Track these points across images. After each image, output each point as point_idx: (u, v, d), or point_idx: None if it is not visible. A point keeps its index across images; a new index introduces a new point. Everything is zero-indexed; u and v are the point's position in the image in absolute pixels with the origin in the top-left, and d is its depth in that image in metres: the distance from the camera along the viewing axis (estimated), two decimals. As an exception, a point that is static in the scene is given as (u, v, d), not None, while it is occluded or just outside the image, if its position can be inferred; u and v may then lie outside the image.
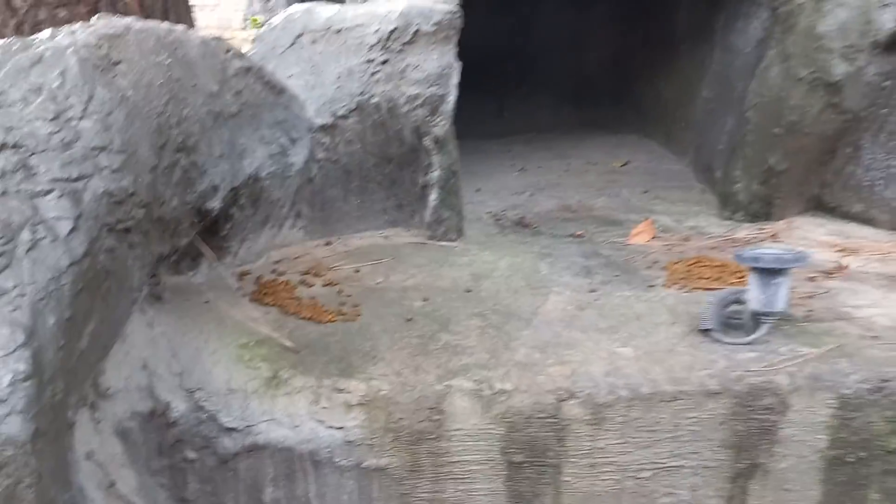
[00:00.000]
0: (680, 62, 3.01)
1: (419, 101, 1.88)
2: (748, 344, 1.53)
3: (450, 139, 1.94)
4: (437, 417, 1.40)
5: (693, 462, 1.46)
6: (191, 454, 1.36)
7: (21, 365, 0.90)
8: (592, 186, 2.84)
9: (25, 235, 0.97)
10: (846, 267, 1.93)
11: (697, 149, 2.84)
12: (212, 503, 1.39)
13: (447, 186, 2.01)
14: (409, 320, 1.62)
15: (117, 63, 1.16)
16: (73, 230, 1.01)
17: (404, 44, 1.88)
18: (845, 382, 1.45)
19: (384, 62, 1.92)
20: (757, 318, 1.56)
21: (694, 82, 2.89)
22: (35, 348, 0.92)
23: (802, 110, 2.12)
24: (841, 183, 2.31)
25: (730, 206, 2.38)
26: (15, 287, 0.93)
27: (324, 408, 1.38)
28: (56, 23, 2.28)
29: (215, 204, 1.34)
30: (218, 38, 1.47)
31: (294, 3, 3.04)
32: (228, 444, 1.36)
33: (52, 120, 1.06)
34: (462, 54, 3.38)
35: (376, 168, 2.06)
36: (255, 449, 1.37)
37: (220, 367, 1.40)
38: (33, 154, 1.02)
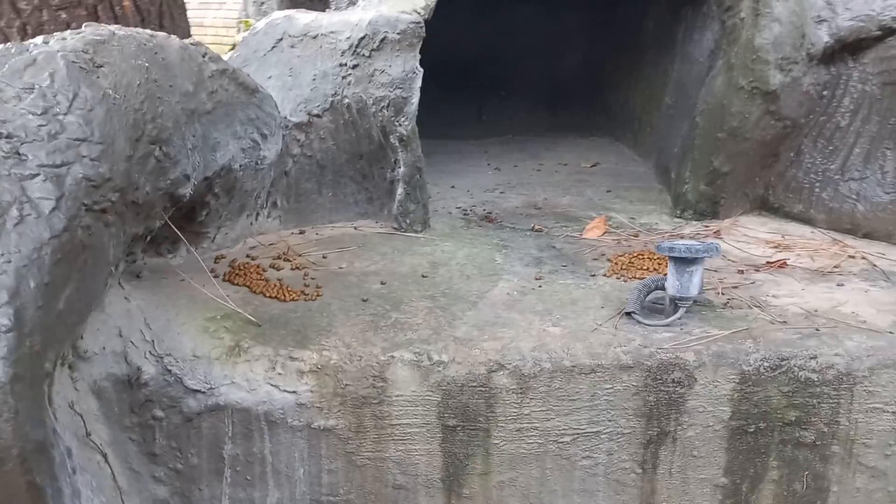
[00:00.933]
0: (646, 70, 3.18)
1: (385, 103, 2.06)
2: (665, 326, 1.71)
3: (413, 138, 2.12)
4: (381, 384, 1.57)
5: (609, 429, 1.63)
6: (159, 413, 1.54)
7: (4, 319, 1.08)
8: (560, 186, 3.01)
9: (14, 212, 1.15)
10: (784, 262, 2.09)
11: (659, 152, 3.01)
12: (176, 458, 1.57)
13: (412, 182, 2.18)
14: (365, 301, 1.80)
15: (100, 66, 1.34)
16: (54, 209, 1.19)
17: (372, 50, 2.06)
18: (747, 360, 1.62)
19: (355, 66, 2.10)
20: (675, 303, 1.73)
21: (658, 89, 3.06)
22: (16, 307, 1.10)
23: (742, 117, 2.29)
24: (783, 185, 2.48)
25: (680, 205, 2.55)
26: (2, 255, 1.11)
27: (279, 374, 1.56)
28: (58, 24, 2.47)
29: (186, 191, 1.52)
30: (197, 44, 1.64)
31: (284, 6, 3.23)
32: (192, 404, 1.54)
33: (42, 114, 1.24)
34: (443, 59, 3.57)
35: (348, 164, 2.24)
36: (216, 409, 1.55)
37: (187, 337, 1.58)
38: (24, 143, 1.20)
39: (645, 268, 2.08)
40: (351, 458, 1.61)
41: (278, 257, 2.00)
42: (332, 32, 2.11)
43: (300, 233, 2.22)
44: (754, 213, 2.56)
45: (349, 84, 2.10)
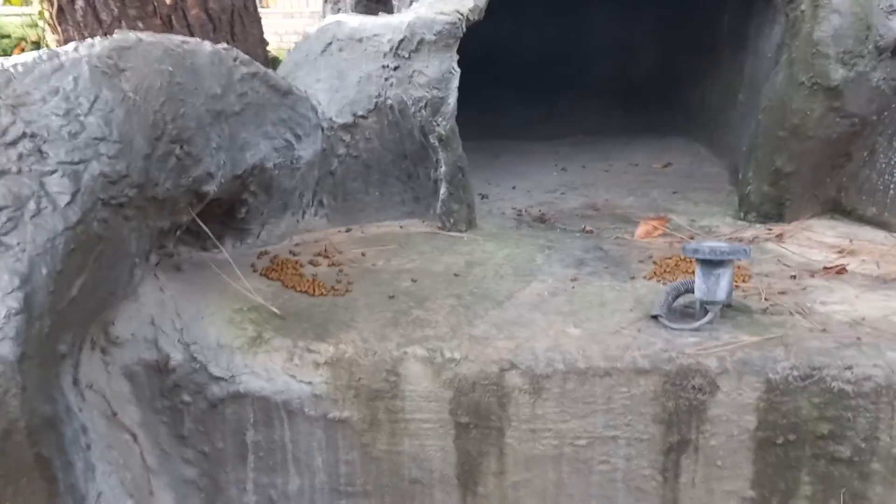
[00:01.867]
0: (722, 67, 3.06)
1: (423, 103, 2.09)
2: (692, 330, 1.65)
3: (453, 138, 2.13)
4: (394, 379, 1.60)
5: (627, 434, 1.59)
6: (186, 397, 1.62)
7: (14, 303, 1.17)
8: (625, 187, 2.94)
9: (31, 205, 1.25)
10: (843, 268, 1.97)
11: (732, 151, 2.89)
12: (204, 441, 1.65)
13: (454, 181, 2.19)
14: (392, 297, 1.83)
15: (123, 70, 1.43)
16: (70, 202, 1.28)
17: (411, 52, 2.09)
18: (774, 368, 1.54)
19: (396, 68, 2.13)
20: (704, 307, 1.67)
21: (734, 86, 2.94)
22: (27, 291, 1.19)
23: (804, 114, 2.17)
24: (856, 186, 2.33)
25: (744, 206, 2.45)
26: (18, 244, 1.21)
27: (296, 365, 1.61)
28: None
29: (210, 188, 1.59)
30: (228, 48, 1.73)
31: (356, 12, 3.32)
32: (216, 390, 1.61)
33: (64, 115, 1.34)
34: (515, 61, 3.57)
35: (394, 163, 2.28)
36: (238, 396, 1.61)
37: (213, 327, 1.65)
38: (46, 142, 1.30)
39: (690, 271, 2.01)
40: (366, 451, 1.64)
41: (318, 254, 2.06)
42: (375, 35, 2.15)
43: (346, 231, 2.27)
44: (825, 216, 2.42)
45: (391, 85, 2.14)
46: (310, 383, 1.60)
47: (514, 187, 2.94)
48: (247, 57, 1.74)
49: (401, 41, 2.10)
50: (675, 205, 2.68)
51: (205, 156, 1.56)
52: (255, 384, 1.61)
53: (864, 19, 2.05)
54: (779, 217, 2.38)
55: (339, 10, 3.60)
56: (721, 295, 1.63)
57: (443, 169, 2.18)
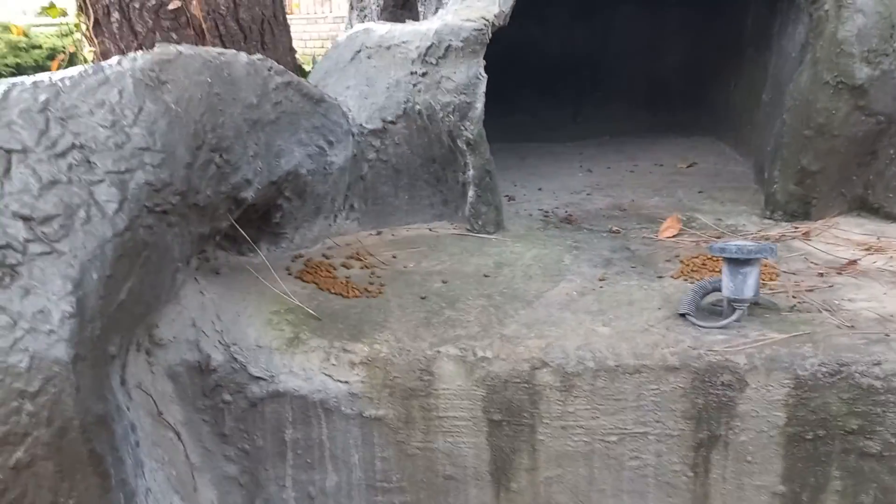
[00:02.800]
0: (747, 66, 3.07)
1: (451, 108, 2.13)
2: (720, 328, 1.67)
3: (481, 142, 2.17)
4: (427, 378, 1.64)
5: (657, 430, 1.61)
6: (227, 397, 1.68)
7: (68, 307, 1.23)
8: (651, 187, 2.96)
9: (82, 213, 1.31)
10: (855, 262, 1.99)
11: (757, 151, 2.90)
12: (244, 439, 1.70)
13: (482, 184, 2.23)
14: (424, 298, 1.87)
15: (165, 82, 1.49)
16: (118, 210, 1.34)
17: (438, 58, 2.13)
18: (803, 365, 1.56)
19: (424, 74, 2.18)
20: (732, 305, 1.69)
21: (758, 86, 2.95)
22: (79, 296, 1.25)
23: (829, 113, 2.19)
24: (883, 184, 2.34)
25: (770, 205, 2.46)
26: (70, 251, 1.27)
27: (332, 364, 1.66)
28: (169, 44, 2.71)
29: (248, 194, 1.65)
30: (263, 59, 1.78)
31: (382, 19, 3.38)
32: (256, 390, 1.67)
33: (110, 127, 1.39)
34: (540, 63, 3.60)
35: (422, 167, 2.33)
36: (277, 395, 1.66)
37: (252, 328, 1.71)
38: (94, 153, 1.36)
39: (718, 269, 2.03)
40: (402, 448, 1.68)
41: (350, 257, 2.11)
42: (403, 42, 2.20)
43: (377, 234, 2.32)
44: (853, 214, 2.43)
45: (419, 91, 2.18)
46: (346, 382, 1.65)
47: (540, 189, 2.98)
48: (280, 66, 1.79)
49: (429, 48, 2.15)
50: (700, 204, 2.69)
51: (242, 163, 1.62)
52: (293, 384, 1.66)
53: (889, 18, 2.06)
54: (805, 215, 2.39)
55: (365, 18, 3.66)
56: (748, 293, 1.65)
57: (471, 172, 2.22)
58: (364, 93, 2.26)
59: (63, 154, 1.35)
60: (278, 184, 1.82)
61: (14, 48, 8.86)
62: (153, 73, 1.48)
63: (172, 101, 1.47)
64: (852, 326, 1.66)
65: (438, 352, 1.65)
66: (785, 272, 2.00)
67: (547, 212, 2.67)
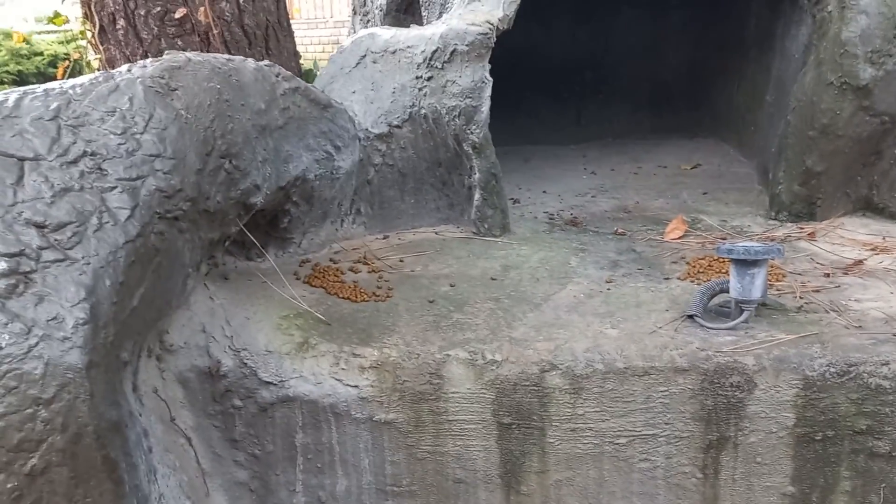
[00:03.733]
0: (750, 67, 3.08)
1: (456, 112, 2.14)
2: (728, 329, 1.68)
3: (487, 145, 2.18)
4: (437, 381, 1.65)
5: (666, 432, 1.62)
6: (237, 402, 1.68)
7: (81, 313, 1.23)
8: (655, 189, 2.97)
9: (94, 220, 1.31)
10: (861, 261, 2.00)
11: (761, 152, 2.91)
12: (254, 444, 1.71)
13: (488, 187, 2.24)
14: (432, 302, 1.88)
15: (175, 89, 1.50)
16: (129, 217, 1.35)
17: (444, 62, 2.14)
18: (811, 365, 1.56)
19: (429, 78, 2.19)
20: (739, 306, 1.70)
21: (761, 87, 2.96)
22: (93, 302, 1.25)
23: (833, 113, 2.19)
24: (888, 184, 2.35)
25: (775, 206, 2.47)
26: (83, 258, 1.28)
27: (342, 369, 1.66)
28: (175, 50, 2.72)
29: (257, 199, 1.65)
30: (270, 65, 1.79)
31: (385, 24, 3.38)
32: (266, 395, 1.67)
33: (121, 134, 1.40)
34: (543, 66, 3.61)
35: (428, 171, 2.33)
36: (287, 400, 1.67)
37: (261, 333, 1.71)
38: (105, 160, 1.37)
39: (724, 271, 2.04)
40: (412, 451, 1.69)
41: (358, 261, 2.11)
42: (408, 47, 2.21)
43: (384, 238, 2.33)
44: (857, 214, 2.44)
45: (425, 95, 2.19)
46: (356, 387, 1.66)
47: (544, 191, 2.98)
48: (288, 72, 1.80)
49: (434, 52, 2.16)
50: (705, 206, 2.70)
51: (252, 169, 1.62)
52: (303, 388, 1.67)
53: (892, 19, 2.07)
54: (810, 216, 2.40)
55: (368, 23, 3.67)
56: (756, 294, 1.66)
57: (477, 176, 2.22)
58: (370, 97, 2.27)
59: (75, 161, 1.35)
60: (286, 189, 1.83)
61: (16, 55, 8.87)
62: (163, 80, 1.49)
63: (182, 107, 1.48)
64: (860, 326, 1.66)
65: (447, 355, 1.66)
66: (791, 273, 2.01)
67: (552, 214, 2.67)
